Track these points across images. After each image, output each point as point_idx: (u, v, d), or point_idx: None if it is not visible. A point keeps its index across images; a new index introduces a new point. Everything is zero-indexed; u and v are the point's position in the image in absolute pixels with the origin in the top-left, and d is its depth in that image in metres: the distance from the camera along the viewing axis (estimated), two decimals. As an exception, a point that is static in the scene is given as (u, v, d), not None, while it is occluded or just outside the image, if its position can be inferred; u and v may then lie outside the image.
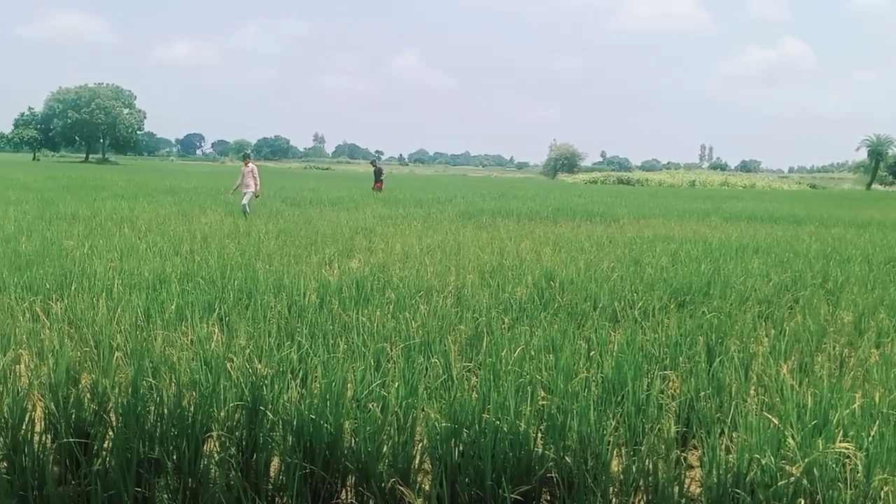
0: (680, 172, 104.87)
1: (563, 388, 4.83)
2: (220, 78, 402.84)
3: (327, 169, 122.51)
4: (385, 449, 4.11)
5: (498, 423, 4.12)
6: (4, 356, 5.68)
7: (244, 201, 19.25)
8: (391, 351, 5.89)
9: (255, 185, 19.73)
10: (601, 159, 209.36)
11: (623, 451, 4.38)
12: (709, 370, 5.56)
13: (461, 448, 4.04)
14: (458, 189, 44.24)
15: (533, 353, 5.78)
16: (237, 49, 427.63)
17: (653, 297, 8.48)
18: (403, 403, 4.45)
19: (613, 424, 4.43)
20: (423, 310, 7.32)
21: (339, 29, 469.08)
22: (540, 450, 4.10)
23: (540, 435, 4.29)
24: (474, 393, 4.75)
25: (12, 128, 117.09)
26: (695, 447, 4.96)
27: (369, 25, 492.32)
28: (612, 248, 13.63)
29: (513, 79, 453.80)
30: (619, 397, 5.00)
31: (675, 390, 5.47)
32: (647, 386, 5.13)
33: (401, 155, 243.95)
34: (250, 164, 20.02)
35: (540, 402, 4.67)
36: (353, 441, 4.14)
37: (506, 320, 7.12)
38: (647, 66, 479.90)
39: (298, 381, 5.05)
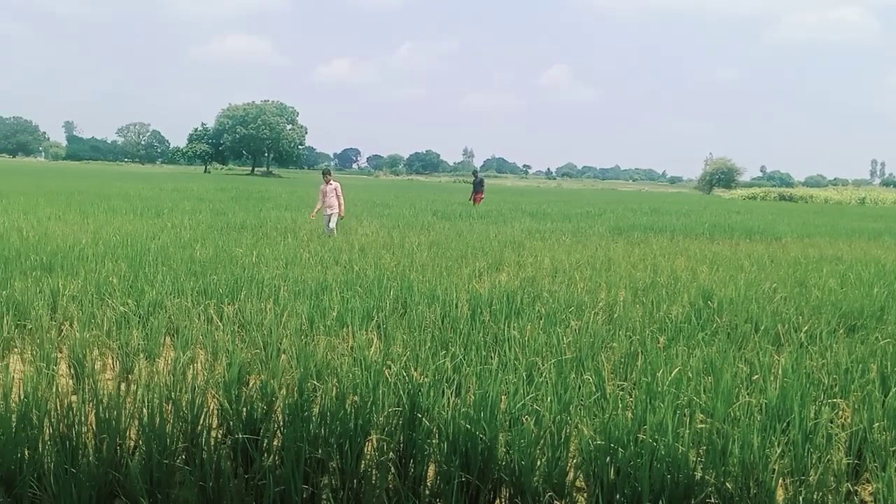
0: (848, 189, 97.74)
1: (723, 412, 4.67)
2: (375, 95, 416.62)
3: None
4: (539, 463, 4.12)
5: (654, 444, 4.05)
6: (184, 355, 6.17)
7: (331, 224, 16.82)
8: (543, 365, 5.89)
9: (340, 205, 17.03)
10: (761, 174, 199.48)
11: (788, 480, 4.18)
12: (884, 401, 5.19)
13: (617, 467, 3.99)
14: (607, 203, 43.57)
15: (691, 374, 5.62)
16: (392, 67, 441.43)
17: (820, 320, 8.01)
18: (557, 419, 4.45)
19: (778, 452, 4.24)
20: (574, 325, 7.28)
21: (488, 46, 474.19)
22: (699, 474, 3.99)
23: (699, 458, 4.17)
24: (629, 412, 4.68)
25: (187, 142, 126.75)
26: (867, 481, 4.65)
27: (518, 42, 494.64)
28: (775, 267, 12.98)
29: (665, 91, 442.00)
30: (784, 424, 4.77)
31: (845, 420, 5.16)
32: (815, 414, 4.86)
33: (548, 169, 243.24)
34: (332, 182, 17.10)
35: (698, 426, 4.53)
36: (507, 453, 4.19)
37: (661, 340, 6.95)
38: (812, 77, 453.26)
39: (453, 390, 5.16)
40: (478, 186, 31.23)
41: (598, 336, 6.91)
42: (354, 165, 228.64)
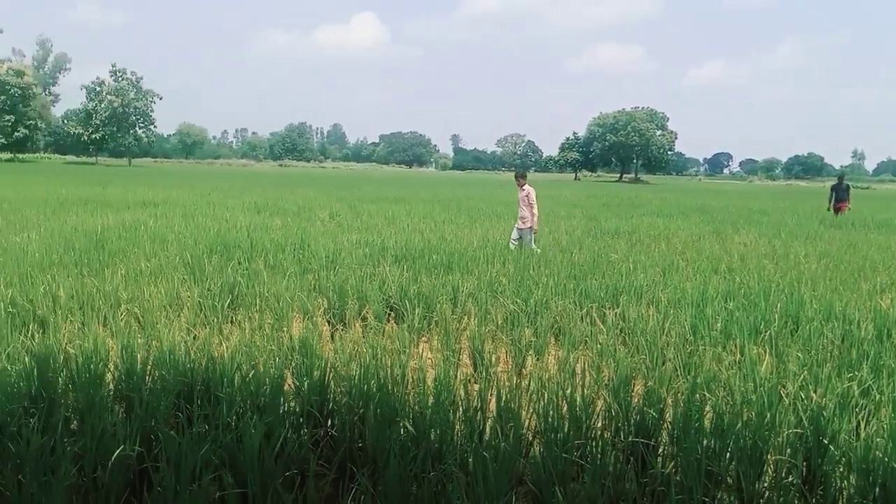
0: None
1: None
2: (750, 96, 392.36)
3: (867, 188, 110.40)
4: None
5: None
6: (570, 354, 6.44)
7: (514, 235, 13.90)
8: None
9: (532, 215, 13.50)
10: None
11: None
12: None
13: None
14: None
15: None
16: (770, 66, 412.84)
17: None
18: None
19: None
20: None
21: (888, 36, 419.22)
22: None
23: None
24: None
25: (558, 151, 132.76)
26: None
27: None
28: None
29: None
30: None
31: None
32: None
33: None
34: (526, 188, 13.69)
35: None
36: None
37: None
38: None
39: (862, 416, 4.69)
40: (842, 193, 27.00)
41: None
42: (725, 170, 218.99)
